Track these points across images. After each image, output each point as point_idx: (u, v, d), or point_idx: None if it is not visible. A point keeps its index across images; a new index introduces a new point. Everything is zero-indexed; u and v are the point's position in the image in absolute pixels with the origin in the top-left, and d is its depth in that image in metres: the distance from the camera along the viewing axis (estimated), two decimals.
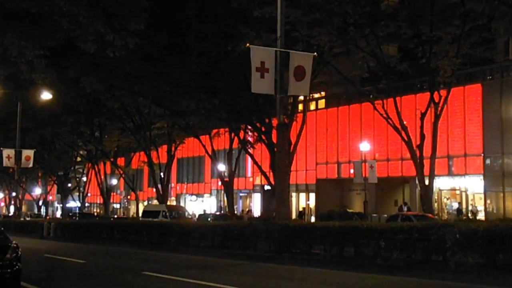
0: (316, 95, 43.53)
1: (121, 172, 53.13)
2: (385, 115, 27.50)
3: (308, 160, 46.17)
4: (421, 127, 26.35)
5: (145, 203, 61.87)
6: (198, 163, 61.13)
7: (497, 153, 34.44)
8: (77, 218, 46.95)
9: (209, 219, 36.04)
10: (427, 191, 26.27)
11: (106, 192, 52.67)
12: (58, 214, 71.45)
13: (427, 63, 26.03)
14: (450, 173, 36.59)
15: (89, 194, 66.10)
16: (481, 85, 35.44)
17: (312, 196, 46.80)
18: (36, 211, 71.10)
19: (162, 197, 43.68)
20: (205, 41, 30.11)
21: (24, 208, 74.76)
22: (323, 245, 17.48)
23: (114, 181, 57.08)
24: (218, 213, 46.91)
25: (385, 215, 32.01)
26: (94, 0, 20.79)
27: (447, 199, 38.00)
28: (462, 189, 36.71)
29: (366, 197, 35.84)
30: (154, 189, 46.14)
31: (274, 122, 26.32)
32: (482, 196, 35.15)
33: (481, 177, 35.11)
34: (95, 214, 63.47)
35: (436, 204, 34.81)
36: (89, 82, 34.61)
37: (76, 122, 46.94)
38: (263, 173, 33.38)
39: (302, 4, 24.40)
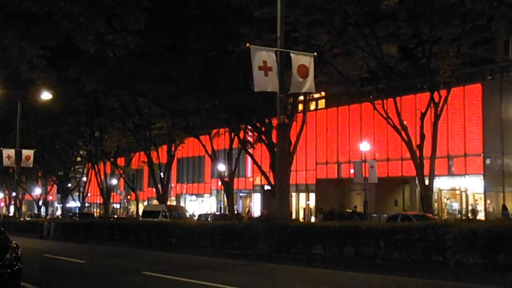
0: (316, 95, 43.51)
1: (121, 172, 53.14)
2: (385, 115, 27.52)
3: (308, 160, 46.17)
4: (421, 127, 26.36)
5: (145, 203, 61.86)
6: (198, 163, 61.13)
7: (497, 153, 34.44)
8: (77, 218, 46.94)
9: (209, 219, 36.07)
10: (427, 191, 26.28)
11: (106, 192, 52.69)
12: (58, 214, 71.39)
13: (427, 63, 26.05)
14: (450, 173, 36.59)
15: (89, 194, 66.07)
16: (481, 85, 35.43)
17: (312, 196, 46.79)
18: (36, 211, 71.03)
19: (162, 197, 43.68)
20: (205, 41, 30.10)
21: (24, 208, 74.77)
22: (323, 245, 17.47)
23: (114, 181, 57.07)
24: (218, 213, 46.93)
25: (385, 215, 32.01)
26: (94, 0, 20.79)
27: (447, 199, 37.99)
28: (462, 189, 36.71)
29: (366, 197, 35.85)
30: (154, 189, 46.14)
31: (274, 122, 26.32)
32: (482, 196, 35.15)
33: (481, 177, 35.11)
34: (95, 214, 63.51)
35: (436, 204, 34.80)
36: (89, 82, 34.61)
37: (76, 122, 46.93)
38: (263, 173, 33.37)
39: (302, 4, 24.41)
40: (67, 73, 33.67)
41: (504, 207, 32.47)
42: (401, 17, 25.51)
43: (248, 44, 18.73)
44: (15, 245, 11.22)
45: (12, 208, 67.16)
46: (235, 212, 41.77)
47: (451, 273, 13.12)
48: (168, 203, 46.52)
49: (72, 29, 20.90)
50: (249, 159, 43.99)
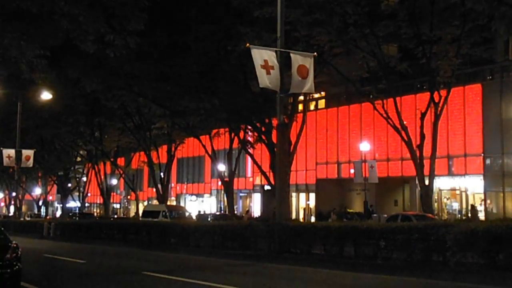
0: (316, 95, 43.56)
1: (121, 172, 53.13)
2: (385, 115, 27.52)
3: (308, 160, 46.17)
4: (421, 127, 26.37)
5: (145, 203, 61.86)
6: (198, 163, 61.14)
7: (497, 153, 34.44)
8: (77, 218, 46.95)
9: (209, 219, 36.07)
10: (427, 191, 26.28)
11: (106, 192, 52.67)
12: (58, 214, 71.42)
13: (427, 63, 26.06)
14: (450, 173, 36.59)
15: (89, 194, 66.08)
16: (481, 85, 35.44)
17: (312, 196, 46.80)
18: (36, 211, 71.04)
19: (162, 197, 43.68)
20: (205, 41, 30.10)
21: (24, 208, 74.71)
22: (323, 245, 17.47)
23: (114, 181, 57.07)
24: (218, 213, 46.93)
25: (385, 215, 32.02)
26: (94, 0, 20.78)
27: (447, 199, 38.00)
28: (462, 189, 36.71)
29: (366, 197, 35.84)
30: (154, 189, 46.15)
31: (274, 122, 26.32)
32: (482, 196, 35.16)
33: (481, 177, 35.11)
34: (95, 214, 63.51)
35: (436, 204, 34.80)
36: (89, 82, 34.61)
37: (76, 122, 46.87)
38: (263, 173, 33.36)
39: (302, 4, 24.41)
40: (67, 73, 33.67)
41: (473, 207, 32.92)
42: (401, 17, 25.51)
43: (248, 44, 18.76)
44: (15, 245, 11.23)
45: (12, 208, 67.13)
46: (235, 212, 41.79)
47: (451, 273, 13.12)
48: (168, 203, 46.51)
49: (72, 29, 20.87)
50: (249, 159, 43.99)
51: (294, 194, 46.08)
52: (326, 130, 45.14)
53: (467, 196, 36.30)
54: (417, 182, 29.23)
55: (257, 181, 50.57)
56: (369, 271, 14.59)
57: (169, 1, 30.60)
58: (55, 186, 68.73)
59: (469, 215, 31.76)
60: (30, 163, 41.75)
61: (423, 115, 26.51)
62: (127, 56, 27.04)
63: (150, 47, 30.81)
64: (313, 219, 41.35)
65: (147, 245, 25.26)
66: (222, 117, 34.68)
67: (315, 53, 19.90)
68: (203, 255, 20.50)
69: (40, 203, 72.19)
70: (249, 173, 53.82)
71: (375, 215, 37.38)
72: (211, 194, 60.23)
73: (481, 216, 32.88)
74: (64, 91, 38.34)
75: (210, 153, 40.03)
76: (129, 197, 71.26)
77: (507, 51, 35.12)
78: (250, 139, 37.95)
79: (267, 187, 39.11)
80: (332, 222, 23.21)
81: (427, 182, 26.09)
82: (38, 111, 42.42)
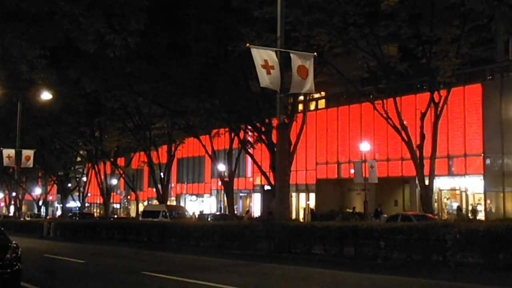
0: (316, 95, 43.55)
1: (121, 172, 53.11)
2: (385, 115, 27.51)
3: (308, 160, 46.17)
4: (421, 127, 26.36)
5: (145, 203, 61.85)
6: (198, 163, 61.13)
7: (497, 153, 34.44)
8: (77, 218, 46.94)
9: (208, 218, 36.08)
10: (427, 191, 26.28)
11: (106, 192, 52.67)
12: (58, 214, 71.38)
13: (427, 63, 26.05)
14: (450, 173, 36.58)
15: (89, 194, 66.04)
16: (481, 85, 35.43)
17: (312, 196, 46.79)
18: (36, 211, 71.03)
19: (162, 197, 43.68)
20: (205, 41, 30.11)
21: (24, 208, 74.67)
22: (323, 245, 17.47)
23: (114, 181, 57.05)
24: (218, 213, 46.92)
25: (385, 215, 32.00)
26: (94, 0, 20.80)
27: (447, 199, 37.99)
28: (462, 189, 36.71)
29: (366, 197, 35.82)
30: (154, 189, 46.14)
31: (274, 122, 26.31)
32: (482, 196, 35.15)
33: (481, 177, 35.10)
34: (95, 214, 63.51)
35: (436, 204, 34.79)
36: (89, 82, 34.62)
37: (76, 122, 46.91)
38: (263, 173, 33.36)
39: (302, 4, 24.41)
40: (67, 73, 33.69)
41: (459, 208, 32.94)
42: (401, 17, 25.50)
43: (248, 44, 18.76)
44: (15, 245, 11.23)
45: (12, 208, 67.14)
46: (235, 212, 41.78)
47: (451, 273, 13.12)
48: (168, 203, 46.51)
49: (72, 29, 20.92)
50: (249, 159, 43.97)
51: (294, 194, 46.07)
52: (326, 130, 45.13)
53: (467, 196, 36.29)
54: (417, 182, 29.21)
55: (257, 181, 50.55)
56: (369, 271, 14.60)
57: (169, 1, 30.62)
58: (55, 186, 68.69)
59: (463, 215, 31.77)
60: (30, 163, 41.76)
61: (423, 115, 26.50)
62: (127, 56, 27.08)
63: (150, 47, 30.81)
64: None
65: (147, 245, 25.26)
66: (222, 117, 34.69)
67: (315, 53, 19.92)
68: (203, 255, 20.49)
69: (40, 203, 72.17)
70: (249, 173, 53.81)
71: (385, 215, 37.31)
72: (211, 194, 60.22)
73: (481, 216, 32.89)
74: (64, 91, 38.38)
75: (210, 153, 40.03)
76: (129, 197, 71.24)
77: (507, 51, 35.12)
78: (250, 139, 37.95)
79: (267, 187, 39.08)
80: (332, 222, 23.17)
81: (427, 182, 26.08)
82: (38, 111, 42.44)
